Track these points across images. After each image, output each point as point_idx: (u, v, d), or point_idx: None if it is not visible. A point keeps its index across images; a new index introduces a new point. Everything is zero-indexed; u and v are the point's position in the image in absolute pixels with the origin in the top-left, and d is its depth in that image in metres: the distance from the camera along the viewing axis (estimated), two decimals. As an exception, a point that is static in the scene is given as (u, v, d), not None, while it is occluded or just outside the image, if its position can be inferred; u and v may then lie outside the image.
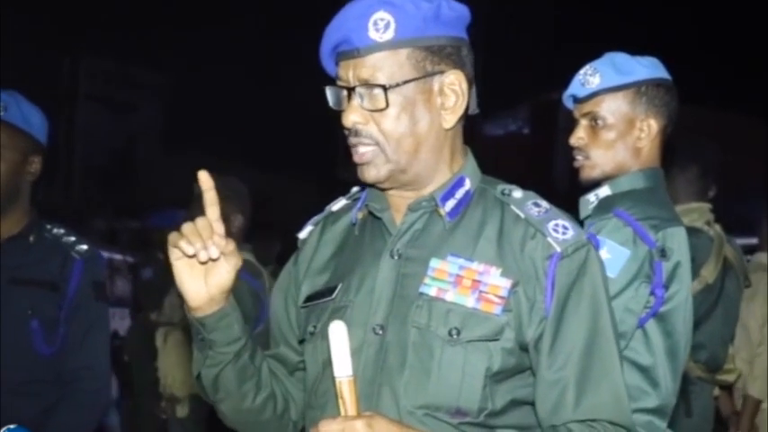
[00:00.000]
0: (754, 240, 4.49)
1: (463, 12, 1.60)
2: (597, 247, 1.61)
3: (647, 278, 2.17)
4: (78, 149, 21.78)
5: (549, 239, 1.53)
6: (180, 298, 1.64)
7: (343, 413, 1.42)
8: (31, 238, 2.76)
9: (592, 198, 2.39)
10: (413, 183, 1.60)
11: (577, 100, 2.43)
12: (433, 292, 1.53)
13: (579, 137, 2.41)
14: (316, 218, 1.80)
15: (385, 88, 1.53)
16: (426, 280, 1.54)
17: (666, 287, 2.20)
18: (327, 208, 1.80)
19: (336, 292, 1.64)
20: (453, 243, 1.57)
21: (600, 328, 1.53)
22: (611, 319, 1.55)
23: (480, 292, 1.51)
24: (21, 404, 2.62)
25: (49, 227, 2.81)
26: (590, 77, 2.38)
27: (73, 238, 2.82)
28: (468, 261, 1.54)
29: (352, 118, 1.56)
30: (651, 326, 2.20)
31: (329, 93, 1.62)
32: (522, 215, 1.56)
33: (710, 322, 3.28)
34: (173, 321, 6.81)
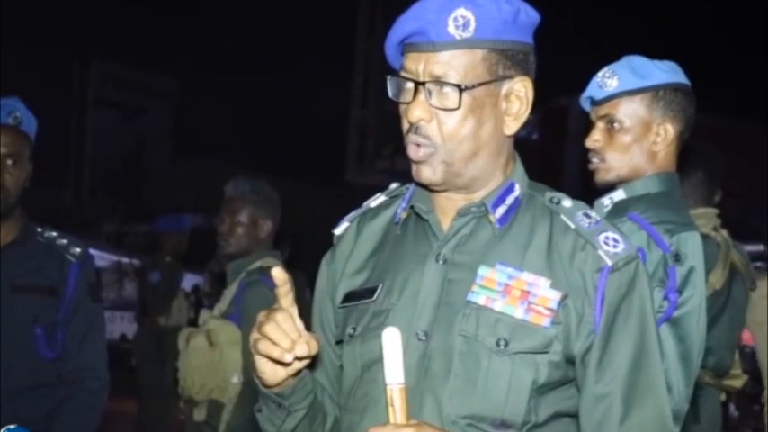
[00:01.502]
0: (759, 247, 4.48)
1: (536, 19, 1.57)
2: (643, 260, 1.60)
3: (661, 283, 2.15)
4: (88, 154, 21.88)
5: (600, 252, 1.50)
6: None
7: (392, 421, 1.39)
8: (27, 243, 2.78)
9: (606, 201, 2.38)
10: (467, 187, 1.56)
11: (594, 102, 2.42)
12: (481, 300, 1.49)
13: (595, 139, 2.40)
14: (352, 214, 1.75)
15: (461, 89, 1.49)
16: (475, 288, 1.50)
17: (680, 292, 2.18)
18: (365, 204, 1.74)
19: (377, 293, 1.59)
20: (502, 251, 1.53)
21: (647, 344, 1.51)
22: (657, 335, 1.54)
23: (529, 303, 1.48)
24: (26, 408, 2.64)
25: (39, 229, 2.84)
26: (608, 80, 2.37)
27: (65, 241, 2.84)
28: (517, 271, 1.50)
29: (417, 113, 1.51)
30: (664, 331, 2.18)
31: (390, 83, 1.56)
32: (572, 225, 1.54)
33: (718, 328, 3.26)
34: (181, 324, 6.83)
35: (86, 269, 2.85)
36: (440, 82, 1.49)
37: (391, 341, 1.40)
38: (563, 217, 1.54)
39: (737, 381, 3.52)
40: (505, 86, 1.53)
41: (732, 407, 6.78)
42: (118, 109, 24.12)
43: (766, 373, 3.73)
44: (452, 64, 1.49)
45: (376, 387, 1.49)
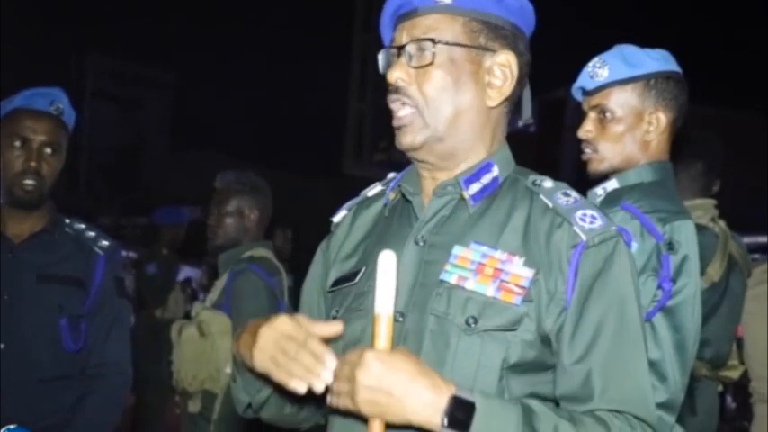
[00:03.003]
0: (761, 239, 4.47)
1: (527, 6, 1.61)
2: (628, 242, 1.57)
3: (655, 271, 2.15)
4: (86, 146, 21.85)
5: (576, 228, 1.50)
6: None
7: (376, 348, 1.38)
8: (56, 234, 2.78)
9: (599, 191, 2.38)
10: (447, 157, 1.59)
11: (586, 92, 2.42)
12: (453, 279, 1.51)
13: (587, 129, 2.40)
14: (350, 202, 1.79)
15: (434, 41, 1.53)
16: (448, 267, 1.52)
17: (674, 281, 2.18)
18: (363, 193, 1.78)
19: (360, 276, 1.63)
20: (478, 231, 1.55)
21: (626, 321, 1.49)
22: (639, 314, 1.51)
23: (501, 281, 1.48)
24: (48, 399, 2.65)
25: (68, 221, 2.84)
26: (599, 70, 2.37)
27: (93, 234, 2.85)
28: (491, 249, 1.51)
29: (396, 74, 1.56)
30: (659, 320, 2.18)
31: (381, 57, 1.63)
32: (550, 204, 1.54)
33: (716, 320, 3.26)
34: (177, 317, 6.82)
35: (113, 262, 2.86)
36: (418, 40, 1.54)
37: (386, 266, 1.39)
38: (542, 197, 1.56)
39: (734, 372, 3.52)
40: (489, 59, 1.57)
41: (729, 398, 6.78)
42: (115, 101, 24.06)
43: (756, 366, 3.73)
44: (433, 27, 1.55)
45: None
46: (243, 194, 3.59)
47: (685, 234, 2.21)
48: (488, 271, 1.49)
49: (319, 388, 1.40)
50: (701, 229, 3.11)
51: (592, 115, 2.40)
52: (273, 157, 20.48)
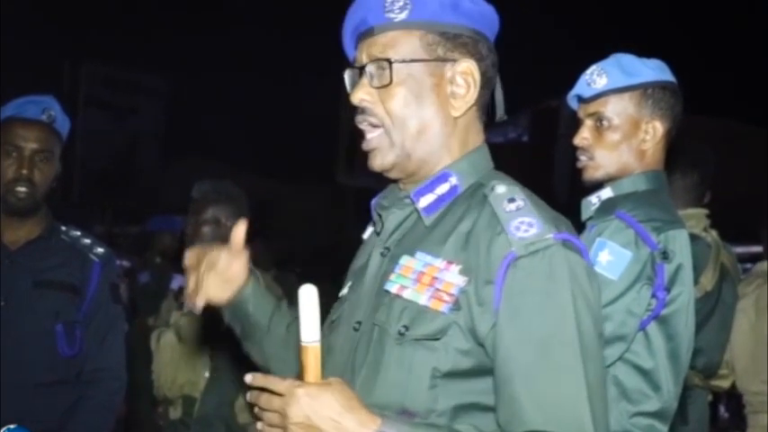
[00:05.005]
0: (756, 248, 4.48)
1: (486, 9, 1.60)
2: (581, 250, 1.49)
3: (649, 280, 2.16)
4: (78, 153, 21.78)
5: (509, 237, 1.44)
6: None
7: (306, 380, 1.40)
8: (52, 240, 2.79)
9: (594, 200, 2.38)
10: (418, 171, 1.58)
11: (582, 100, 2.43)
12: (394, 289, 1.51)
13: (584, 137, 2.41)
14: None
15: (390, 62, 1.53)
16: (392, 277, 1.52)
17: (668, 290, 2.19)
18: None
19: (347, 288, 1.67)
20: (428, 241, 1.53)
21: (557, 335, 1.40)
22: (577, 327, 1.41)
23: (436, 289, 1.46)
24: (43, 404, 2.67)
25: (64, 228, 2.86)
26: (596, 78, 2.38)
27: (89, 241, 2.89)
28: (434, 258, 1.50)
29: (359, 95, 1.57)
30: (653, 329, 2.19)
31: (347, 77, 1.63)
32: (496, 211, 1.49)
33: (708, 329, 3.27)
34: (169, 324, 6.80)
35: (109, 269, 2.90)
36: (377, 60, 1.54)
37: (308, 299, 1.40)
38: (491, 202, 1.51)
39: (725, 381, 3.54)
40: (449, 69, 1.56)
41: (722, 408, 6.79)
42: (109, 109, 24.02)
43: (743, 379, 3.74)
44: (390, 45, 1.55)
45: (330, 372, 1.48)
46: (219, 203, 3.63)
47: (680, 243, 2.22)
48: (426, 279, 1.48)
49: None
50: (694, 238, 3.12)
51: (588, 123, 2.41)
52: (267, 166, 20.46)
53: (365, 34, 1.58)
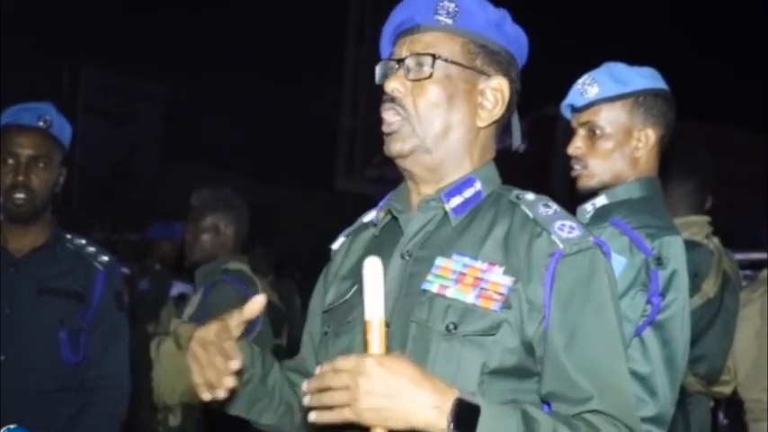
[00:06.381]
0: (756, 255, 4.47)
1: (522, 36, 1.68)
2: (608, 253, 1.59)
3: (644, 286, 2.17)
4: (77, 160, 21.81)
5: (554, 237, 1.53)
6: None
7: (369, 352, 1.39)
8: (57, 248, 2.80)
9: (588, 207, 2.40)
10: (433, 170, 1.62)
11: (575, 109, 2.44)
12: (434, 288, 1.54)
13: (577, 146, 2.42)
14: (347, 229, 1.83)
15: (434, 57, 1.58)
16: (429, 277, 1.55)
17: (663, 295, 2.19)
18: (359, 219, 1.82)
19: (351, 292, 1.67)
20: (461, 243, 1.58)
21: (605, 328, 1.52)
22: (618, 323, 1.54)
23: (481, 288, 1.51)
24: (47, 411, 2.67)
25: (69, 237, 2.86)
26: (588, 87, 2.39)
27: (94, 249, 2.89)
28: (472, 260, 1.54)
29: (393, 84, 1.61)
30: (648, 334, 2.20)
31: (378, 69, 1.67)
32: (531, 215, 1.57)
33: (710, 336, 3.27)
34: (168, 332, 6.80)
35: (113, 277, 2.90)
36: (418, 54, 1.59)
37: (372, 272, 1.41)
38: (524, 208, 1.59)
39: (727, 387, 3.53)
40: (483, 82, 1.62)
41: (721, 415, 6.78)
42: (108, 116, 24.05)
43: (745, 387, 3.74)
44: (432, 43, 1.60)
45: None
46: (218, 211, 3.64)
47: (674, 249, 2.23)
48: (468, 280, 1.52)
49: (220, 395, 1.51)
50: (696, 245, 3.13)
51: (581, 132, 2.43)
52: (266, 173, 20.49)
53: (409, 31, 1.63)
